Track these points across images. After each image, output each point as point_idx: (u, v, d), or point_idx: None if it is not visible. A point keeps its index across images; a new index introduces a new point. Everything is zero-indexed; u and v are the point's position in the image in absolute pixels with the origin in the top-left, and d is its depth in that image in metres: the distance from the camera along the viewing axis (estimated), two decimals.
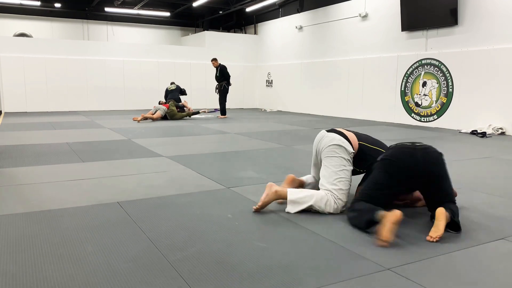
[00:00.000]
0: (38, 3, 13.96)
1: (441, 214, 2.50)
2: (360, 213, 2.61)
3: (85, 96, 13.20)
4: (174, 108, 10.50)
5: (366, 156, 3.04)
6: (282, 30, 14.32)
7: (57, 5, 14.58)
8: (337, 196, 2.88)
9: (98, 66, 13.31)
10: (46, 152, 5.47)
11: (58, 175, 4.15)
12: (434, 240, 2.41)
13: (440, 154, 2.75)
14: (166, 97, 11.46)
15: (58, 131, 7.76)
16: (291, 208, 2.91)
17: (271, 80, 15.03)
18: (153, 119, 9.98)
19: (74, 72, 12.97)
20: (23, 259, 2.16)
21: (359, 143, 3.06)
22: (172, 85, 11.66)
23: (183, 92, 11.67)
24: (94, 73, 13.26)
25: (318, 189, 3.03)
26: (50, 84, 12.70)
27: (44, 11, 14.73)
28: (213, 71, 12.04)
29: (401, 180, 2.68)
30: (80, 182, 3.86)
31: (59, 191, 3.54)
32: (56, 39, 14.37)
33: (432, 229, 2.48)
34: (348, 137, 3.04)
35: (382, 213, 2.45)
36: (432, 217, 2.65)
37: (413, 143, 2.79)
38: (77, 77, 13.04)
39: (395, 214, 2.37)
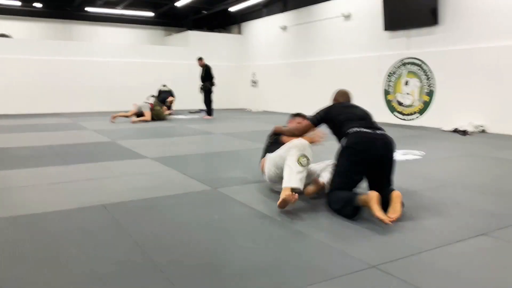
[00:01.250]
0: (19, 3, 13.68)
1: (398, 196, 2.77)
2: (342, 203, 2.83)
3: (68, 97, 12.96)
4: (159, 107, 10.41)
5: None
6: (266, 30, 14.34)
7: (38, 5, 14.31)
8: (288, 152, 3.13)
9: (81, 66, 13.11)
10: (29, 155, 5.37)
11: (41, 178, 4.08)
12: (393, 219, 2.61)
13: (393, 141, 3.05)
14: (158, 96, 11.75)
15: (41, 133, 7.63)
16: (298, 184, 3.00)
17: (256, 80, 15.04)
18: (147, 121, 9.85)
19: (56, 73, 12.73)
20: (3, 264, 2.13)
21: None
22: (165, 87, 12.22)
23: (172, 94, 12.09)
24: (77, 74, 13.04)
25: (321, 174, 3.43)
26: (32, 86, 12.44)
27: (25, 11, 14.43)
28: (197, 71, 11.99)
29: (364, 166, 2.97)
30: (64, 185, 3.81)
31: (43, 195, 3.49)
32: (37, 39, 14.09)
33: (390, 210, 2.70)
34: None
35: (361, 197, 2.73)
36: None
37: (372, 128, 3.05)
38: (60, 78, 12.80)
39: (374, 196, 2.64)
